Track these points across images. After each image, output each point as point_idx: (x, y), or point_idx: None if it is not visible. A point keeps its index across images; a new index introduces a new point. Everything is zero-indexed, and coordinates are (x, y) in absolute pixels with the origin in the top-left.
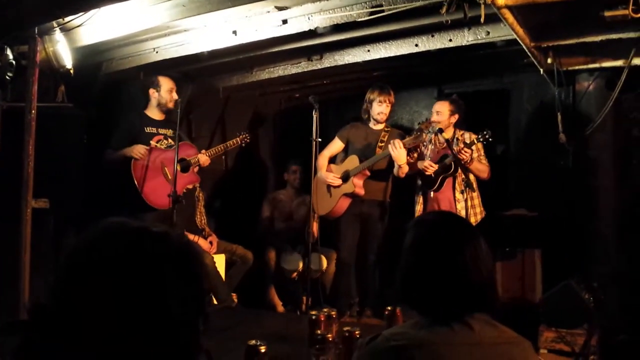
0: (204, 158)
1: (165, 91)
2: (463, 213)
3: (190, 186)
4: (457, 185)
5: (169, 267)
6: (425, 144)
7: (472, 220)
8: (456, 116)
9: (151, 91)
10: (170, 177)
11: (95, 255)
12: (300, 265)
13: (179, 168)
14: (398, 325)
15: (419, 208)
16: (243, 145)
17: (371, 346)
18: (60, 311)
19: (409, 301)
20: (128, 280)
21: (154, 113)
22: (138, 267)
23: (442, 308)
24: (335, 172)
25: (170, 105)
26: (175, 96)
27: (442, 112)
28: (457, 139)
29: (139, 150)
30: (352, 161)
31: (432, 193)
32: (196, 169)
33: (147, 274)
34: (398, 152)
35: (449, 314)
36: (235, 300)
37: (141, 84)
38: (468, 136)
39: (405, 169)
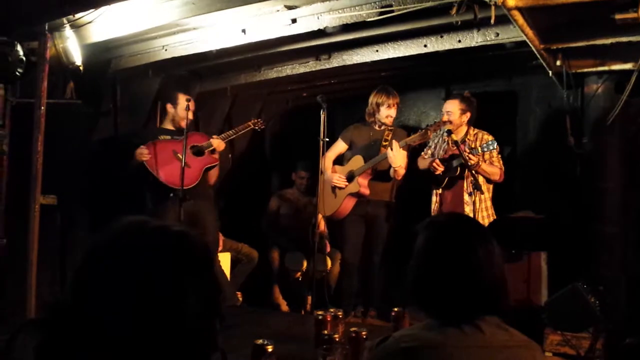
0: (217, 142)
1: (181, 109)
2: (471, 215)
3: (214, 173)
4: (465, 186)
5: (187, 266)
6: (437, 142)
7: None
8: (468, 114)
9: (168, 106)
10: (185, 161)
11: (115, 253)
12: (305, 265)
13: (191, 152)
14: (408, 327)
15: (434, 206)
16: (257, 128)
17: (381, 348)
18: (79, 308)
19: (420, 303)
20: (147, 278)
21: (168, 126)
22: (157, 265)
23: (453, 310)
24: (339, 172)
25: (183, 124)
26: (190, 116)
27: (452, 112)
28: (469, 139)
29: (141, 152)
30: (357, 161)
31: (440, 190)
32: (215, 155)
33: (166, 272)
34: (394, 154)
35: (460, 315)
36: (240, 299)
37: (148, 82)
38: (480, 136)
39: (401, 171)
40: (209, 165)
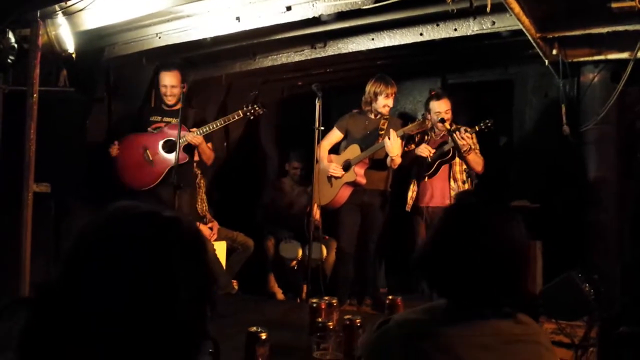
0: (190, 136)
1: (161, 86)
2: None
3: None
4: (452, 174)
5: (178, 252)
6: (426, 131)
7: None
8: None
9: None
10: (151, 159)
11: (105, 237)
12: (300, 253)
13: (162, 149)
14: (411, 310)
15: (411, 194)
16: (252, 118)
17: (382, 332)
18: (67, 291)
19: (437, 284)
20: (136, 263)
21: (162, 104)
22: (147, 250)
23: (469, 295)
24: (335, 162)
25: (167, 100)
26: (172, 91)
27: (449, 109)
28: (458, 129)
29: (111, 147)
30: (353, 150)
31: (426, 178)
32: (203, 149)
33: (156, 257)
34: (392, 143)
35: (476, 300)
36: (236, 287)
37: (141, 70)
38: (463, 130)
39: (398, 160)
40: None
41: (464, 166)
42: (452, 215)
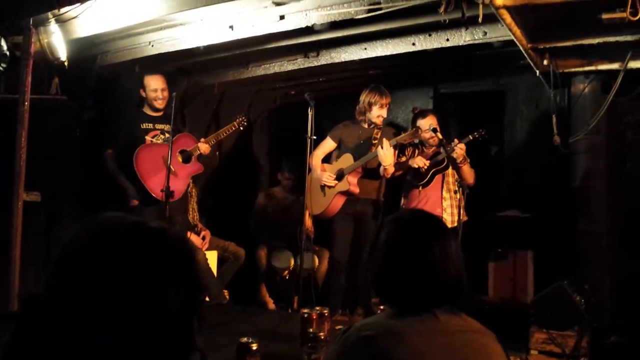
0: (204, 146)
1: (150, 91)
2: (449, 211)
3: (189, 181)
4: (445, 184)
5: (166, 263)
6: (411, 147)
7: (449, 220)
8: None
9: (141, 91)
10: (173, 170)
11: (91, 247)
12: (291, 263)
13: (180, 159)
14: (369, 317)
15: (402, 204)
16: (241, 128)
17: (344, 337)
18: (53, 303)
19: (381, 294)
20: (123, 274)
21: (148, 110)
22: (134, 261)
23: (411, 301)
24: (329, 171)
25: (157, 104)
26: (162, 95)
27: (436, 125)
28: (449, 143)
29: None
30: (346, 159)
31: (420, 188)
32: (199, 163)
33: (143, 268)
34: (384, 152)
35: (418, 306)
36: (227, 297)
37: (133, 79)
38: (455, 142)
39: (391, 170)
40: (195, 174)
41: (457, 176)
42: (392, 234)
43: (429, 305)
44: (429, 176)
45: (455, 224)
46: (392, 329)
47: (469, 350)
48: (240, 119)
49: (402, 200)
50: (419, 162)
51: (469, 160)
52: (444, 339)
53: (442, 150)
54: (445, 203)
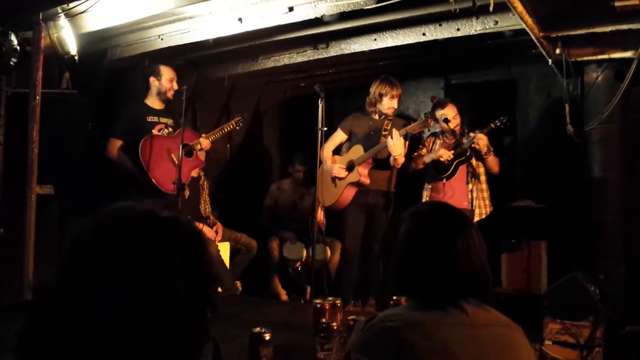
0: (205, 142)
1: (166, 80)
2: (475, 203)
3: (195, 173)
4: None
5: (177, 253)
6: (432, 137)
7: (477, 213)
8: None
9: (152, 79)
10: (177, 162)
11: (102, 238)
12: (304, 254)
13: (184, 153)
14: (393, 308)
15: (425, 197)
16: (237, 127)
17: (368, 327)
18: (64, 293)
19: (403, 289)
20: (135, 264)
21: (154, 102)
22: (145, 251)
23: (434, 295)
24: (339, 162)
25: (169, 95)
26: (175, 86)
27: (456, 114)
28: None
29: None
30: (357, 151)
31: (444, 180)
32: (202, 155)
33: (154, 258)
34: (394, 142)
35: (442, 299)
36: (240, 288)
37: (143, 72)
38: (476, 133)
39: (401, 160)
40: (195, 169)
41: (470, 167)
42: (413, 227)
43: (454, 299)
44: (452, 167)
45: (483, 216)
46: (416, 321)
47: (496, 345)
48: (237, 119)
49: (425, 193)
50: (444, 154)
51: (492, 150)
52: (470, 332)
53: (464, 140)
54: (470, 195)
